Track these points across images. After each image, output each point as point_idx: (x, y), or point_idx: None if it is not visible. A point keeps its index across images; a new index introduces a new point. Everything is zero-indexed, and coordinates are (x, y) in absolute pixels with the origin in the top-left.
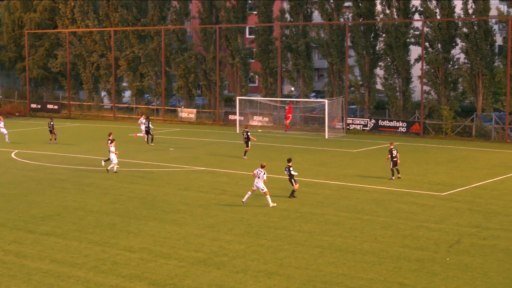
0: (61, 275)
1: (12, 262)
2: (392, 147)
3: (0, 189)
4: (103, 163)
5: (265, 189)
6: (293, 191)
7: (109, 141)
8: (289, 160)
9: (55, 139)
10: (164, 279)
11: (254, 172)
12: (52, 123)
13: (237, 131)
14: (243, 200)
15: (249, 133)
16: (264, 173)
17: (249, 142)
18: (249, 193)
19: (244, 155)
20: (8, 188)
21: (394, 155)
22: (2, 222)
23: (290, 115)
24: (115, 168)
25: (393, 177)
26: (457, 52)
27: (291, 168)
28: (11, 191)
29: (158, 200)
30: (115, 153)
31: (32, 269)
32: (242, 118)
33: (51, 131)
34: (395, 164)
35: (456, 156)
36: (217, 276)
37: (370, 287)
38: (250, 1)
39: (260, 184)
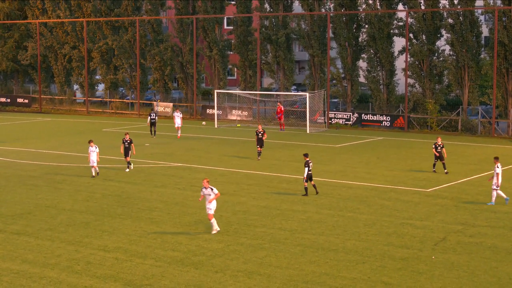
0: (33, 276)
1: None
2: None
3: None
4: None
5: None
6: (314, 186)
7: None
8: (306, 155)
9: None
10: (140, 279)
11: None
12: None
13: (216, 126)
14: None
15: (263, 133)
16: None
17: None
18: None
19: (258, 156)
20: None
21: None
22: None
23: (281, 114)
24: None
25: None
26: (442, 44)
27: (310, 164)
28: None
29: (134, 198)
30: (95, 153)
31: (3, 270)
32: (220, 112)
33: None
34: (441, 158)
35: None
36: (195, 276)
37: (354, 287)
38: None
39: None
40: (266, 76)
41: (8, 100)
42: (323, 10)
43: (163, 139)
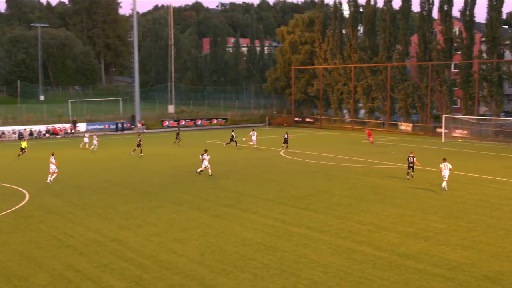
0: (312, 238)
1: (279, 227)
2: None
3: (272, 176)
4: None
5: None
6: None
7: (204, 154)
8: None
9: (178, 142)
10: (385, 245)
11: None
12: (178, 132)
13: (443, 140)
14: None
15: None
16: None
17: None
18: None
19: None
20: (278, 175)
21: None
22: (273, 198)
23: (370, 137)
24: (209, 171)
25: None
26: None
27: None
28: (280, 177)
29: (382, 189)
30: (206, 160)
31: (293, 232)
32: (446, 130)
33: (177, 137)
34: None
35: None
36: (424, 246)
37: None
38: (455, 44)
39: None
40: (482, 105)
41: (300, 119)
42: None
43: (406, 149)
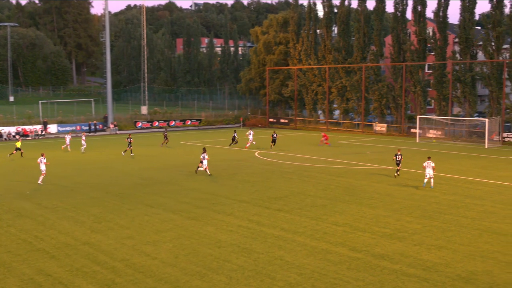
0: (287, 239)
1: (254, 229)
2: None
3: (247, 177)
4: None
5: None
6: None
7: (204, 153)
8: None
9: (166, 144)
10: (360, 246)
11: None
12: (166, 133)
13: (417, 141)
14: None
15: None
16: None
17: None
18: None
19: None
20: (253, 176)
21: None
22: (247, 200)
23: (324, 139)
24: (201, 169)
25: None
26: None
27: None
28: (255, 178)
29: (357, 189)
30: (206, 159)
31: (267, 234)
32: (421, 131)
33: (165, 138)
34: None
35: None
36: (399, 246)
37: None
38: (429, 45)
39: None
40: (456, 106)
41: (275, 120)
42: (500, 58)
43: (380, 149)
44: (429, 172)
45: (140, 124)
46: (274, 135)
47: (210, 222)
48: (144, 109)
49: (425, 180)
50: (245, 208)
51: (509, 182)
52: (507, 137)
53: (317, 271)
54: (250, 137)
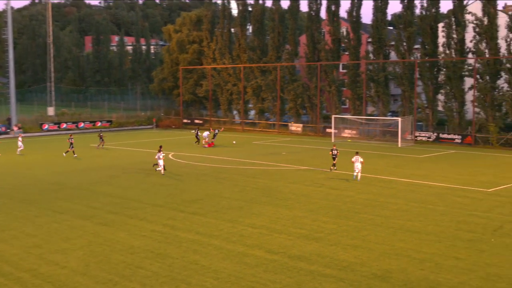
0: (203, 243)
1: (168, 233)
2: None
3: (161, 180)
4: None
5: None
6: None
7: (159, 152)
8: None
9: (103, 145)
10: (277, 248)
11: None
12: (101, 134)
13: (332, 140)
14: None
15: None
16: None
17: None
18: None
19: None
20: (167, 179)
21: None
22: (161, 203)
23: (208, 145)
24: (162, 171)
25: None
26: (502, 82)
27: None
28: (169, 181)
29: (274, 191)
30: (162, 159)
31: (182, 238)
32: (336, 131)
33: (100, 140)
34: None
35: (500, 161)
36: (316, 247)
37: (431, 259)
38: (343, 45)
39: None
40: (370, 105)
41: (189, 121)
42: (412, 58)
43: (296, 150)
44: (357, 166)
45: (46, 126)
46: (216, 131)
47: (122, 228)
48: (50, 110)
49: (354, 174)
50: (159, 212)
51: (422, 181)
52: (419, 136)
53: (234, 275)
54: (205, 134)
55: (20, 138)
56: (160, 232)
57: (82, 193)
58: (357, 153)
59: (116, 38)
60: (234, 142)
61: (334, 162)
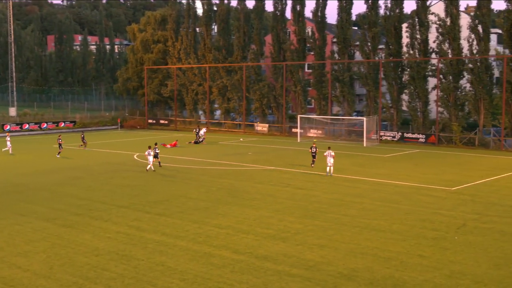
0: (169, 244)
1: (134, 234)
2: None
3: (126, 181)
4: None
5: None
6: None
7: (148, 151)
8: (316, 147)
9: (85, 146)
10: (244, 248)
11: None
12: (83, 135)
13: (298, 140)
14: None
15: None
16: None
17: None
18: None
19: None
20: (132, 180)
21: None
22: (126, 205)
23: (170, 145)
24: (150, 167)
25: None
26: (464, 82)
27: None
28: (134, 182)
29: (240, 191)
30: (151, 156)
31: (148, 239)
32: (302, 131)
33: (83, 140)
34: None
35: (463, 160)
36: (282, 247)
37: (397, 258)
38: (308, 45)
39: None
40: (335, 105)
41: (154, 121)
42: (376, 58)
43: (263, 150)
44: (329, 160)
45: (8, 127)
46: (197, 130)
47: (86, 230)
48: (12, 111)
49: (327, 169)
50: (124, 214)
51: (387, 180)
52: (384, 135)
53: (200, 276)
54: (202, 132)
55: (8, 138)
56: (125, 234)
57: (46, 194)
58: (329, 148)
59: (79, 38)
60: (315, 140)
61: (314, 159)
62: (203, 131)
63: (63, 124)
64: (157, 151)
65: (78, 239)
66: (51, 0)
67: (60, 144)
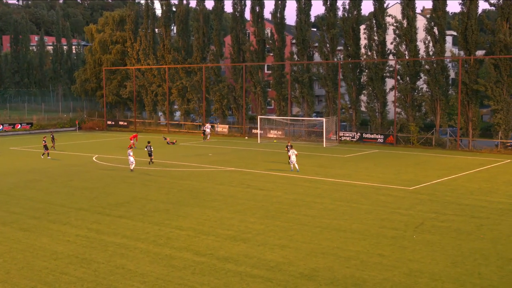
0: (129, 247)
1: (93, 237)
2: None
3: (85, 183)
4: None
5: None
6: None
7: (129, 151)
8: (291, 146)
9: (53, 147)
10: (205, 250)
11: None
12: (52, 135)
13: (258, 141)
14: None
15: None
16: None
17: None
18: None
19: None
20: (91, 182)
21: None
22: (86, 207)
23: (132, 140)
24: (132, 167)
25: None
26: (421, 83)
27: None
28: (94, 184)
29: (201, 192)
30: (133, 156)
31: (108, 242)
32: (262, 131)
33: (52, 141)
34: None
35: (420, 160)
36: (243, 248)
37: (357, 257)
38: (267, 46)
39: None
40: (295, 106)
41: (113, 123)
42: (335, 59)
43: (223, 151)
44: (293, 159)
45: None
46: (165, 138)
47: (44, 233)
48: None
49: (292, 166)
50: (83, 216)
51: (347, 180)
52: (343, 136)
53: (161, 278)
54: (208, 130)
55: None
56: (85, 237)
57: (2, 198)
58: (291, 147)
59: (35, 38)
60: (275, 141)
61: (289, 155)
62: (208, 128)
63: (19, 126)
64: (151, 149)
65: (36, 242)
66: (6, 0)
67: (45, 145)
